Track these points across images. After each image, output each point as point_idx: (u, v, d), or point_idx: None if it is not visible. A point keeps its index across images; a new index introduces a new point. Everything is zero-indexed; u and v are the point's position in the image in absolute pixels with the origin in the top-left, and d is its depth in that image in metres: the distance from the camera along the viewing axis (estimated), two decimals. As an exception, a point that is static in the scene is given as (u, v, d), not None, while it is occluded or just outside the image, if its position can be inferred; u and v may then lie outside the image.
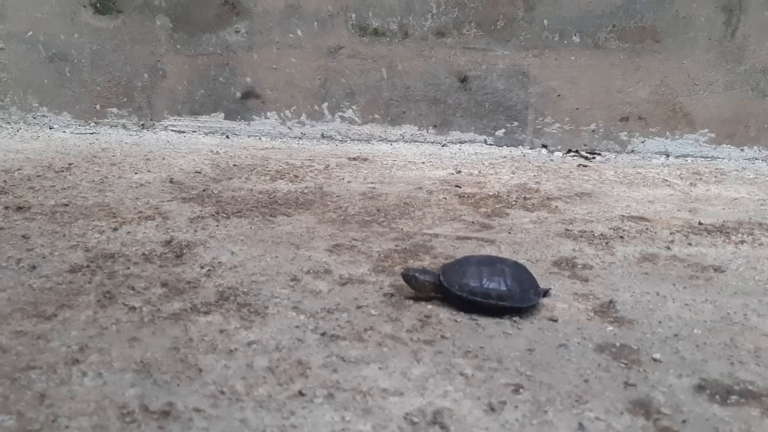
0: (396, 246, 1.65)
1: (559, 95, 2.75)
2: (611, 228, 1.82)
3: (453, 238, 1.72)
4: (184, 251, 1.57)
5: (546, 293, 1.39)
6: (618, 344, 1.21)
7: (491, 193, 2.13)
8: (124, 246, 1.60)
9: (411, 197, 2.07)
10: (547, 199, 2.09)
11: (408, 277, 1.33)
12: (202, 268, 1.48)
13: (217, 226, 1.76)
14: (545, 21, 2.70)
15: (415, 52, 2.80)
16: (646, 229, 1.82)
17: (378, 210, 1.95)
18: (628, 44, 2.68)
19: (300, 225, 1.80)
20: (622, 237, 1.76)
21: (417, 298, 1.34)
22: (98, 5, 2.88)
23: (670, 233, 1.79)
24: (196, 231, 1.72)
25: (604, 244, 1.70)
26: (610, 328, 1.27)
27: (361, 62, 2.83)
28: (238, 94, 2.90)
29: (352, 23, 2.79)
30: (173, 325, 1.22)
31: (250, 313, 1.27)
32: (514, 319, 1.28)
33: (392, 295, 1.37)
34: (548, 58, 2.73)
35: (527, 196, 2.11)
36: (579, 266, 1.57)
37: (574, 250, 1.67)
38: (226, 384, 1.04)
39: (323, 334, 1.20)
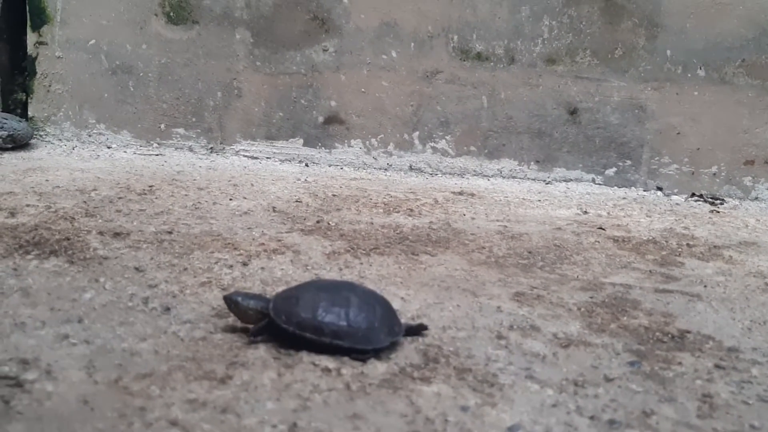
0: (591, 298, 1.36)
1: (678, 133, 2.50)
2: (818, 284, 1.55)
3: (651, 290, 1.43)
4: (344, 295, 1.27)
5: (417, 331, 1.12)
6: None
7: (645, 238, 1.85)
8: (265, 284, 1.30)
9: (558, 239, 1.79)
10: (714, 247, 1.81)
11: (229, 301, 1.07)
12: (378, 317, 1.18)
13: (361, 264, 1.47)
14: (668, 51, 2.46)
15: (521, 79, 2.54)
16: None
17: (529, 252, 1.66)
18: (758, 81, 2.44)
19: (452, 266, 1.51)
20: (841, 296, 1.48)
21: (244, 329, 1.08)
22: (172, 14, 2.62)
23: None
24: (341, 269, 1.42)
25: (828, 304, 1.42)
26: None
27: (460, 88, 2.57)
28: (321, 119, 2.63)
29: (453, 45, 2.55)
30: (392, 397, 0.91)
31: (478, 382, 0.97)
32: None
33: (639, 363, 1.07)
34: (669, 92, 2.49)
35: (689, 243, 1.83)
36: (819, 331, 1.29)
37: (796, 310, 1.39)
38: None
39: (593, 418, 0.90)
